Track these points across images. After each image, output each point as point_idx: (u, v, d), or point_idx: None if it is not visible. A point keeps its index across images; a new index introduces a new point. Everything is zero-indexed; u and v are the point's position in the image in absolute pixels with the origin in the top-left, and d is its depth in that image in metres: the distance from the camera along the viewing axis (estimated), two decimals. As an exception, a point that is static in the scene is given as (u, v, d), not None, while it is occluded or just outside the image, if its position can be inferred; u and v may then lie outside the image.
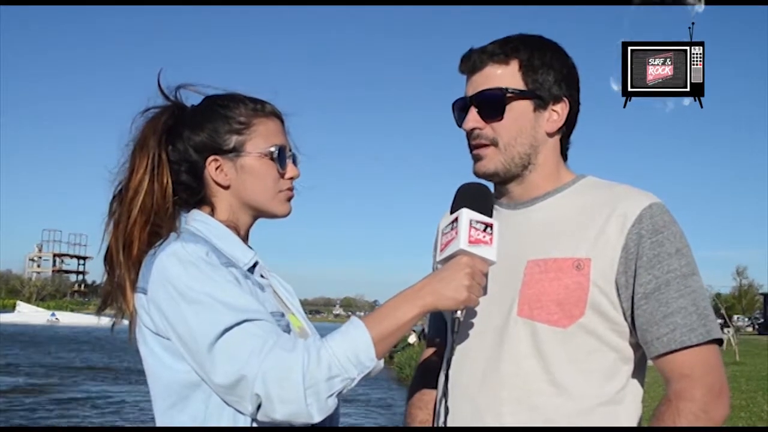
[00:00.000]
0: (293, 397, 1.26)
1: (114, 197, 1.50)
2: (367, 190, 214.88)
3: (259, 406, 1.29)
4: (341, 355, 1.28)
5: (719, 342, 1.39)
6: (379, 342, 1.31)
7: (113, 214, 1.48)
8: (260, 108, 1.54)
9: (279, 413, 1.28)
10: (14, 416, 14.02)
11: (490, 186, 1.51)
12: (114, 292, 1.46)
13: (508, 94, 1.47)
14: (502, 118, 1.47)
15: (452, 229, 1.39)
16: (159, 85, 1.56)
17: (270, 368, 1.27)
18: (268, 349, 1.28)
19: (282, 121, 1.58)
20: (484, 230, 1.37)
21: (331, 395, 1.28)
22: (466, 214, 1.37)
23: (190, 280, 1.34)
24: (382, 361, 1.33)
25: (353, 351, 1.29)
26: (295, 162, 1.57)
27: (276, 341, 1.30)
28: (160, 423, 1.42)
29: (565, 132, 1.53)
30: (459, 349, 1.48)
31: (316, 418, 1.28)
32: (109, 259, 1.47)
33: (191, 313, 1.33)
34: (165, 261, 1.37)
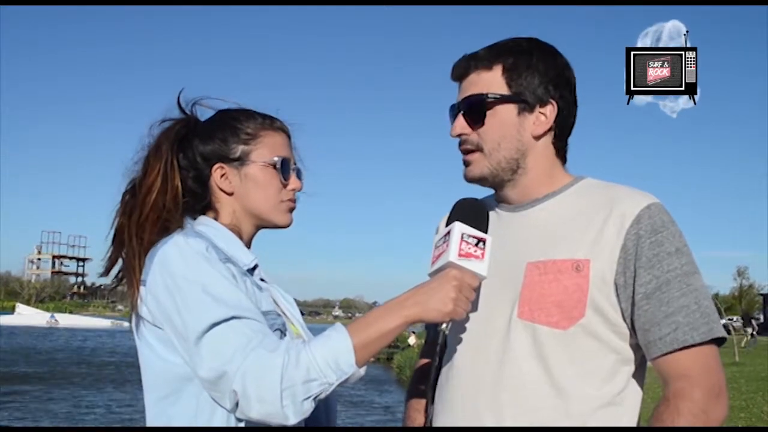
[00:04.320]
0: (269, 397, 1.28)
1: (127, 191, 1.55)
2: (365, 190, 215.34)
3: (237, 404, 1.31)
4: (320, 359, 1.30)
5: (719, 343, 1.38)
6: (360, 349, 1.32)
7: (126, 204, 1.53)
8: (269, 123, 1.61)
9: (255, 411, 1.30)
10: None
11: (489, 191, 1.51)
12: (126, 271, 1.48)
13: (488, 100, 1.47)
14: (484, 124, 1.48)
15: (444, 242, 1.39)
16: (179, 102, 1.63)
17: (249, 366, 1.29)
18: (251, 347, 1.30)
19: (289, 137, 1.64)
20: (476, 245, 1.37)
21: (308, 398, 1.29)
22: (458, 228, 1.37)
23: (187, 272, 1.37)
24: (363, 369, 1.34)
25: (333, 356, 1.30)
26: (299, 176, 1.62)
27: (261, 341, 1.32)
28: (150, 414, 1.45)
29: (558, 134, 1.52)
30: (459, 352, 1.48)
31: (291, 420, 1.30)
32: (118, 242, 1.51)
33: (183, 305, 1.36)
34: (167, 251, 1.41)
